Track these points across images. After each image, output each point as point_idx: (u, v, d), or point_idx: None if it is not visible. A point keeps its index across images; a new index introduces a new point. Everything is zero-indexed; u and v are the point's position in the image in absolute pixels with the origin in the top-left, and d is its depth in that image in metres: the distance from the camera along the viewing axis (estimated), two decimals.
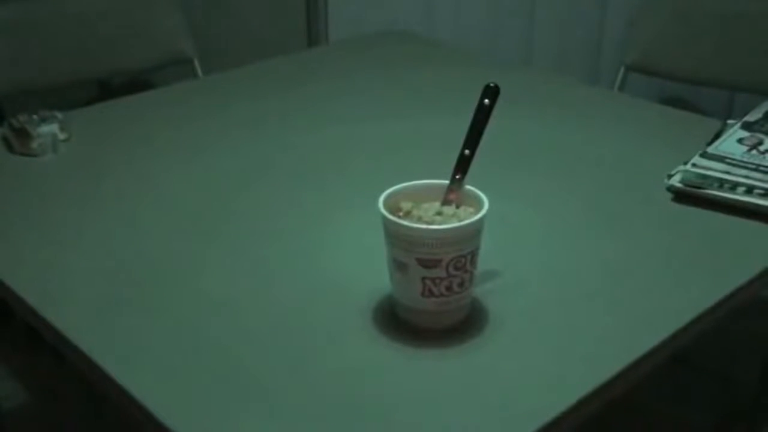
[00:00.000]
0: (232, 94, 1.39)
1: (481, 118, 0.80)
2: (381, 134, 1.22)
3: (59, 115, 1.18)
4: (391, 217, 0.75)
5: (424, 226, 0.75)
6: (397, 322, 0.80)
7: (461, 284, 0.77)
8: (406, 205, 0.80)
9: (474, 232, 0.75)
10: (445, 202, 0.80)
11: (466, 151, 0.80)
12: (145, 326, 0.80)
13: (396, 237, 0.76)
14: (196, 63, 1.80)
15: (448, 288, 0.76)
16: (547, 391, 0.72)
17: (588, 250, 0.93)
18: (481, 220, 0.75)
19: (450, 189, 0.80)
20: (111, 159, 1.14)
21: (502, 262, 0.89)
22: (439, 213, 0.79)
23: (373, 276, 0.83)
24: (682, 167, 1.04)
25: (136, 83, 1.88)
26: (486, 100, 0.80)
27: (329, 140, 1.20)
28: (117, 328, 0.80)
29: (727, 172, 1.01)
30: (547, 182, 1.08)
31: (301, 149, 1.18)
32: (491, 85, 0.80)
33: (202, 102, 1.35)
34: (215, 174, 1.10)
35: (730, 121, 1.16)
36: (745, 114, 1.17)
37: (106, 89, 1.94)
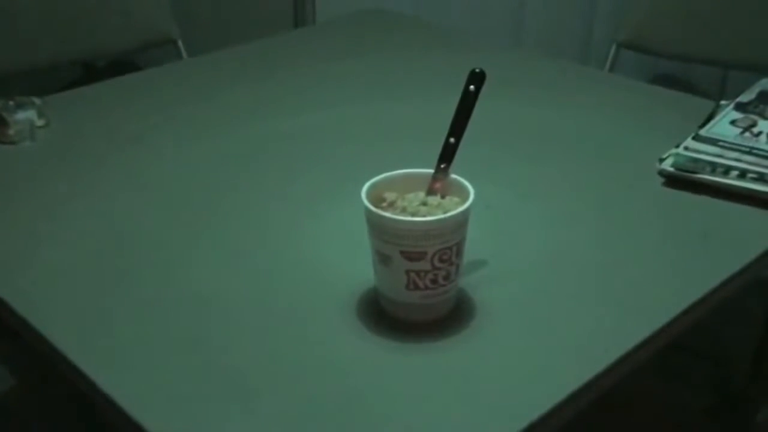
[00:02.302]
0: (216, 78, 1.36)
1: (466, 105, 0.78)
2: (367, 120, 1.19)
3: (37, 100, 1.15)
4: (373, 208, 0.73)
5: (407, 218, 0.72)
6: (382, 314, 0.78)
7: (447, 276, 0.75)
8: (390, 196, 0.77)
9: (459, 223, 0.73)
10: (430, 191, 0.78)
11: (451, 140, 0.78)
12: (124, 320, 0.78)
13: (379, 229, 0.73)
14: (180, 44, 1.76)
15: (434, 281, 0.74)
16: (538, 386, 0.70)
17: (578, 238, 0.90)
18: (466, 210, 0.73)
19: (435, 178, 0.78)
20: (91, 146, 1.12)
21: (489, 251, 0.86)
22: (423, 203, 0.77)
23: (358, 267, 0.81)
24: (673, 151, 1.02)
25: (121, 66, 1.84)
26: (472, 86, 0.77)
27: (314, 126, 1.18)
28: (95, 324, 0.78)
29: (720, 156, 0.99)
30: (536, 168, 1.06)
31: (285, 135, 1.15)
32: (477, 70, 0.78)
33: (186, 86, 1.33)
34: (199, 162, 1.07)
35: (723, 102, 1.14)
36: (739, 94, 1.15)
37: (90, 73, 1.90)
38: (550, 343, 0.75)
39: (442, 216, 0.72)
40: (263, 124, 1.18)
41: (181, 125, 1.17)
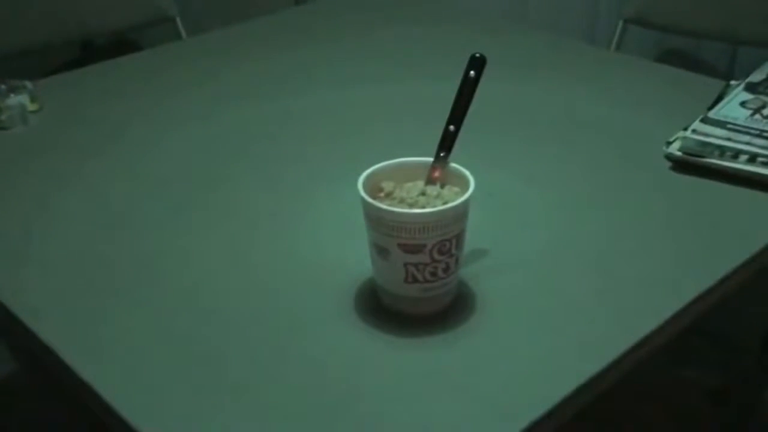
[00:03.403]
0: (215, 58, 1.33)
1: (466, 91, 0.75)
2: (368, 101, 1.17)
3: (29, 84, 1.13)
4: (370, 200, 0.71)
5: (405, 210, 0.70)
6: (379, 307, 0.76)
7: (446, 269, 0.72)
8: (387, 185, 0.75)
9: (459, 214, 0.71)
10: (429, 181, 0.76)
11: (451, 127, 0.75)
12: (111, 313, 0.76)
13: (376, 221, 0.71)
14: (179, 22, 1.73)
15: (433, 273, 0.72)
16: (540, 383, 0.68)
17: (582, 226, 0.88)
18: (466, 201, 0.71)
19: (434, 167, 0.75)
20: (85, 131, 1.09)
21: (490, 240, 0.84)
22: (422, 193, 0.74)
23: (356, 257, 0.79)
24: (681, 133, 0.99)
25: (121, 45, 1.82)
26: (472, 72, 0.75)
27: (314, 108, 1.15)
28: (80, 316, 0.76)
29: (729, 139, 0.96)
30: (539, 152, 1.03)
31: (285, 118, 1.12)
32: (477, 55, 0.75)
33: (184, 67, 1.30)
34: (195, 147, 1.05)
35: (732, 82, 1.11)
36: (749, 72, 1.11)
37: (88, 52, 1.87)
38: (553, 337, 0.73)
39: (441, 207, 0.70)
40: (262, 106, 1.15)
41: (176, 109, 1.15)
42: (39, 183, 0.97)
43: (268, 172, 1.00)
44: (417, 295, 0.73)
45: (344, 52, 1.34)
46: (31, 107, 1.11)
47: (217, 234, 0.87)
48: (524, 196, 0.94)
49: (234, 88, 1.21)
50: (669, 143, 0.99)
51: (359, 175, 0.73)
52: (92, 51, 1.88)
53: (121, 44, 1.85)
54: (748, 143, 0.95)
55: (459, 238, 0.72)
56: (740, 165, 0.93)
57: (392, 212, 0.70)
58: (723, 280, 0.79)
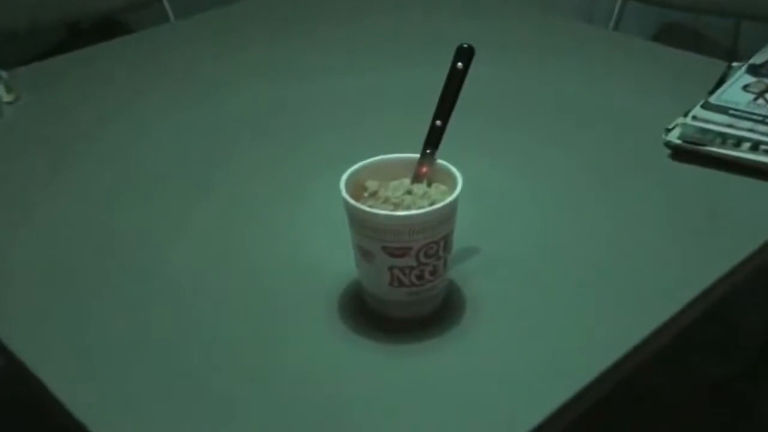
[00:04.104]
0: (202, 42, 1.29)
1: (453, 84, 0.71)
2: (358, 90, 1.13)
3: (4, 74, 1.09)
4: (352, 201, 0.67)
5: (389, 213, 0.67)
6: (365, 310, 0.72)
7: (434, 272, 0.69)
8: (371, 185, 0.71)
9: (446, 215, 0.67)
10: (416, 178, 0.72)
11: (438, 122, 0.71)
12: (82, 311, 0.73)
13: (359, 224, 0.68)
14: (166, 3, 1.69)
15: (420, 277, 0.69)
16: (535, 390, 0.64)
17: (577, 220, 0.84)
18: (453, 202, 0.67)
19: (420, 164, 0.72)
20: (63, 124, 1.05)
21: (481, 237, 0.81)
22: (408, 192, 0.71)
23: (341, 257, 0.74)
24: (681, 120, 0.96)
25: (105, 28, 1.77)
26: (459, 64, 0.71)
27: (301, 97, 1.11)
28: (49, 316, 0.73)
29: (731, 126, 0.92)
30: (532, 141, 0.99)
31: (270, 108, 1.08)
32: (464, 45, 0.71)
33: (168, 54, 1.26)
34: (177, 140, 1.01)
35: (735, 64, 1.07)
36: (752, 50, 1.07)
37: (75, 36, 1.83)
38: (549, 340, 0.69)
39: (426, 209, 0.66)
40: (248, 94, 1.12)
41: (160, 101, 1.11)
42: (12, 178, 0.93)
43: (251, 166, 0.96)
44: (403, 299, 0.70)
45: (335, 36, 1.30)
46: (7, 98, 1.07)
47: (196, 234, 0.84)
48: (516, 189, 0.90)
49: (222, 75, 1.18)
50: (668, 130, 0.95)
51: (342, 171, 0.70)
52: (78, 35, 1.83)
53: (107, 27, 1.80)
54: (750, 130, 0.91)
55: (447, 239, 0.69)
56: (742, 153, 0.89)
57: (375, 215, 0.66)
58: (726, 276, 0.76)
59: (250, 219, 0.86)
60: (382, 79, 1.15)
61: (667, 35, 1.92)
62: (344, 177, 0.69)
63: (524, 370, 0.66)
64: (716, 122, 0.93)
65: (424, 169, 0.72)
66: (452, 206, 0.67)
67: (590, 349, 0.68)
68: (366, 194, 0.71)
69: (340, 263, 0.75)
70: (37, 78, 1.17)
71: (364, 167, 0.72)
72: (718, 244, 0.80)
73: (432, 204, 0.69)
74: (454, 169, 0.70)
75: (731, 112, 0.94)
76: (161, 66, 1.21)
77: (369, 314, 0.72)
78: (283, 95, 1.11)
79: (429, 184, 0.72)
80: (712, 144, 0.91)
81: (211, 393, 0.65)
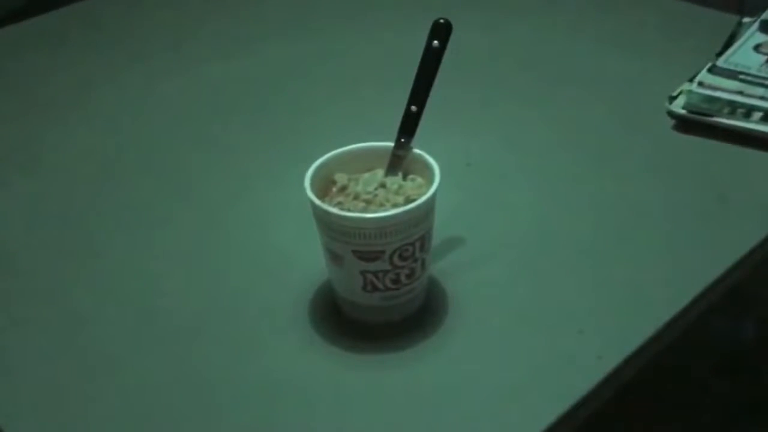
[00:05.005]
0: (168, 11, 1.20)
1: (429, 66, 0.63)
2: (331, 58, 1.04)
3: None
4: (317, 201, 0.60)
5: (356, 215, 0.59)
6: (338, 315, 0.66)
7: (411, 275, 0.62)
8: (341, 178, 0.64)
9: (421, 215, 0.60)
10: (390, 170, 0.65)
11: (413, 108, 0.64)
12: (17, 315, 0.67)
13: (326, 225, 0.61)
14: None
15: (395, 281, 0.62)
16: (525, 402, 0.58)
17: (572, 204, 0.77)
18: (430, 200, 0.60)
19: (394, 154, 0.64)
20: (8, 101, 0.98)
21: (465, 225, 0.74)
22: (382, 185, 0.64)
23: (312, 254, 0.66)
24: (686, 86, 0.88)
25: None
26: (435, 42, 0.63)
27: (266, 67, 1.03)
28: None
29: (741, 93, 0.84)
30: (524, 111, 0.91)
31: (237, 79, 1.00)
32: (441, 21, 0.63)
33: (115, 27, 1.17)
34: (128, 120, 0.93)
35: (745, 20, 0.98)
36: (765, 8, 0.99)
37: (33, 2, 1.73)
38: (542, 344, 0.63)
39: (397, 211, 0.59)
40: (215, 65, 1.03)
41: (109, 80, 1.02)
42: None
43: (211, 150, 0.88)
44: (378, 303, 0.63)
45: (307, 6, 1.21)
46: None
47: (153, 226, 0.77)
48: (504, 167, 0.82)
49: (187, 46, 1.09)
50: (672, 98, 0.87)
51: (314, 153, 0.63)
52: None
53: None
54: (762, 98, 0.83)
55: (424, 239, 0.62)
56: (754, 125, 0.82)
57: (341, 216, 0.59)
58: (738, 264, 0.69)
59: (209, 210, 0.79)
60: (348, 51, 1.05)
61: None
62: (309, 172, 0.62)
63: (514, 381, 0.60)
64: (725, 89, 0.85)
65: (399, 161, 0.64)
66: (428, 205, 0.60)
67: (583, 355, 0.61)
68: (335, 189, 0.64)
69: (310, 261, 0.68)
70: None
71: (332, 159, 0.65)
72: (730, 226, 0.73)
73: (407, 200, 0.62)
74: (431, 160, 0.63)
75: (741, 76, 0.86)
76: (95, 42, 1.12)
77: (341, 319, 0.65)
78: (250, 64, 1.02)
79: (404, 177, 0.65)
80: (720, 114, 0.83)
81: (163, 408, 0.59)
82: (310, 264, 0.68)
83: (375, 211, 0.61)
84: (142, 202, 0.80)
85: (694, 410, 1.32)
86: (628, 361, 0.61)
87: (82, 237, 0.76)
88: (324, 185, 0.64)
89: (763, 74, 0.86)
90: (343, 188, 0.64)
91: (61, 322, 0.67)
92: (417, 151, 0.64)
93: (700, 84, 0.86)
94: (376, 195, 0.63)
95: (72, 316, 0.67)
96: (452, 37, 0.63)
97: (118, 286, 0.70)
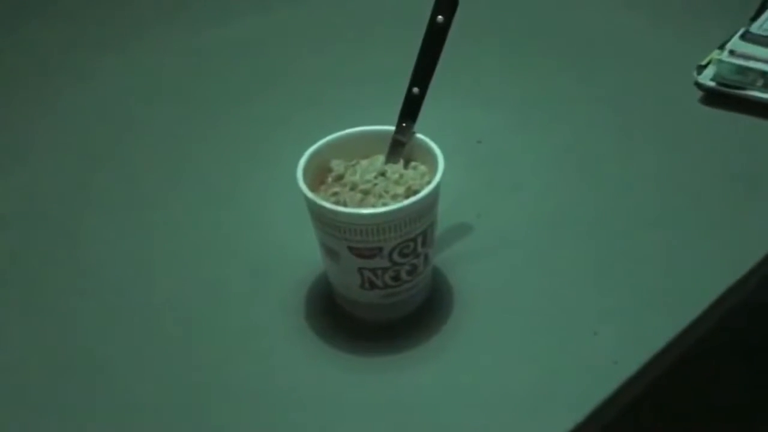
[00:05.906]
0: None
1: (433, 43, 0.57)
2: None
3: None
4: (309, 194, 0.55)
5: (351, 211, 0.55)
6: (335, 311, 0.61)
7: (412, 271, 0.58)
8: (337, 166, 0.59)
9: (423, 209, 0.55)
10: (390, 157, 0.60)
11: (415, 89, 0.58)
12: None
13: (320, 219, 0.56)
14: None
15: (395, 278, 0.57)
16: (539, 408, 0.54)
17: (590, 187, 0.72)
18: (432, 192, 0.55)
19: (395, 140, 0.59)
20: None
21: (473, 210, 0.69)
22: (382, 174, 0.59)
23: (308, 247, 0.61)
24: (716, 54, 0.81)
25: None
26: (440, 17, 0.57)
27: (255, 36, 0.97)
28: None
29: None
30: (541, 83, 0.85)
31: (223, 48, 0.95)
32: None
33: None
34: (110, 98, 0.89)
35: None
36: None
37: None
38: (551, 348, 0.58)
39: (395, 206, 0.54)
40: (201, 32, 0.98)
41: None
42: None
43: (199, 133, 0.83)
44: (377, 301, 0.59)
45: None
46: None
47: (139, 215, 0.73)
48: (516, 147, 0.77)
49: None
50: (701, 68, 0.81)
51: (310, 139, 0.58)
52: None
53: None
54: None
55: (427, 234, 0.57)
56: None
57: (335, 212, 0.54)
58: (762, 263, 0.63)
59: (196, 198, 0.74)
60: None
61: None
62: (302, 160, 0.57)
63: (522, 389, 0.55)
64: (759, 58, 0.79)
65: (400, 147, 0.59)
66: (430, 198, 0.55)
67: (599, 360, 0.56)
68: (330, 179, 0.59)
69: (307, 253, 0.62)
70: None
71: (327, 144, 0.60)
72: (760, 220, 0.67)
73: (408, 190, 0.57)
74: (434, 146, 0.58)
75: None
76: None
77: (338, 316, 0.61)
78: (236, 32, 0.96)
79: (406, 164, 0.60)
80: (753, 87, 0.77)
81: (150, 409, 0.55)
82: (305, 258, 0.63)
83: (373, 204, 0.56)
84: (131, 190, 0.76)
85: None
86: (646, 367, 0.56)
87: (71, 228, 0.72)
88: (320, 173, 0.59)
89: None
90: (340, 177, 0.59)
91: (52, 320, 0.63)
92: (420, 136, 0.59)
93: (732, 52, 0.80)
94: (375, 185, 0.58)
95: (62, 313, 0.63)
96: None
97: (107, 281, 0.66)
